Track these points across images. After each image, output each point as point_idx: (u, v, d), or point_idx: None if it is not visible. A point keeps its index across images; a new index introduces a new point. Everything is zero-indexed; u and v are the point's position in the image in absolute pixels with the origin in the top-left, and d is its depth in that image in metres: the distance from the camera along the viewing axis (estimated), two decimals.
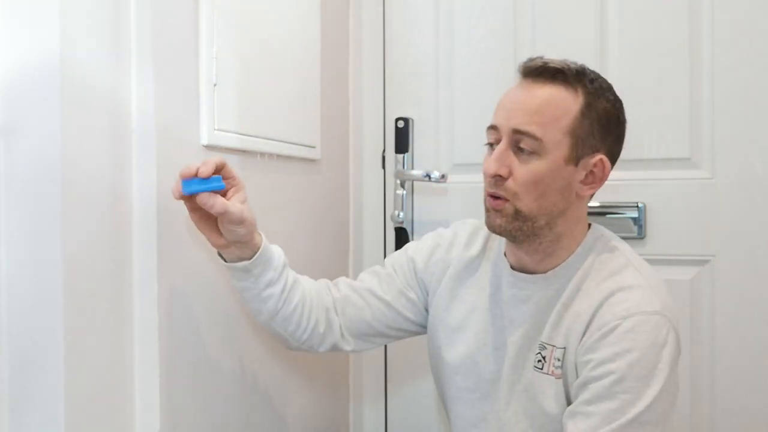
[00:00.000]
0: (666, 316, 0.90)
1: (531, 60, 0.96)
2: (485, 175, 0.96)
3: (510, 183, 0.93)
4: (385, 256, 1.64)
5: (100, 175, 0.87)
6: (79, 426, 0.84)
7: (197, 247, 1.02)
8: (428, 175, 1.51)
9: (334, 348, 1.09)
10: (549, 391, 0.95)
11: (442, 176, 1.50)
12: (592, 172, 0.95)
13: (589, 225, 1.02)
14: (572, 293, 0.96)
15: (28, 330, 0.82)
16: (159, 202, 0.93)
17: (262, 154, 1.19)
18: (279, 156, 1.25)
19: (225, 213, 0.88)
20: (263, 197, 1.20)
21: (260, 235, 0.97)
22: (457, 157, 1.57)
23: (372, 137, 1.64)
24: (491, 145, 0.98)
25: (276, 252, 1.00)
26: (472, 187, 1.55)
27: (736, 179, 1.37)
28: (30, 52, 0.81)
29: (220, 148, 1.06)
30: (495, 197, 0.96)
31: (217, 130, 1.04)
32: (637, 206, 1.41)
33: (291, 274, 1.03)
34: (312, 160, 1.39)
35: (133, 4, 0.91)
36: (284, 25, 1.25)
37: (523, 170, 0.92)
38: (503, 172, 0.93)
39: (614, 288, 0.92)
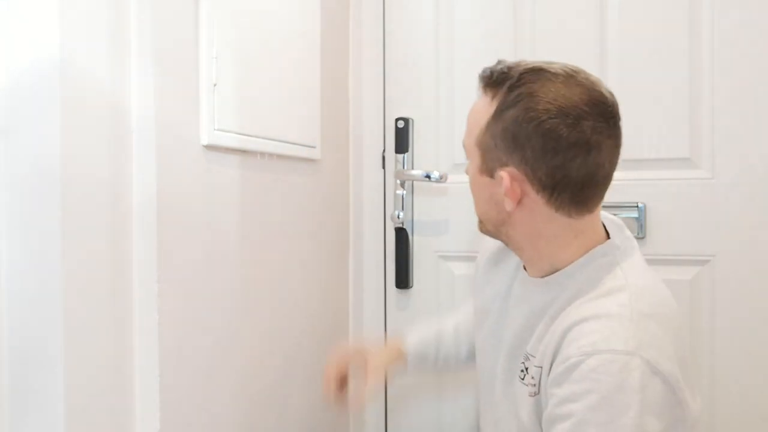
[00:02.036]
0: (643, 358, 0.77)
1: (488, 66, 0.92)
2: None
3: None
4: (385, 256, 1.64)
5: (100, 175, 0.87)
6: (79, 426, 0.84)
7: (197, 247, 1.02)
8: (428, 175, 1.51)
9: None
10: (525, 405, 0.90)
11: (442, 176, 1.50)
12: (505, 186, 0.87)
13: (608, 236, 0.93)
14: (561, 308, 0.88)
15: (28, 330, 0.82)
16: (159, 202, 0.93)
17: (262, 154, 1.19)
18: (279, 156, 1.25)
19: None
20: (263, 197, 1.20)
21: (404, 342, 1.19)
22: (457, 157, 1.57)
23: (372, 137, 1.64)
24: None
25: (427, 334, 1.21)
26: None
27: (736, 179, 1.37)
28: (30, 52, 0.81)
29: (220, 148, 1.06)
30: None
31: (217, 130, 1.04)
32: (637, 206, 1.41)
33: (443, 340, 1.20)
34: (312, 160, 1.39)
35: (133, 4, 0.91)
36: (284, 25, 1.25)
37: None
38: (466, 168, 0.96)
39: (588, 314, 0.83)
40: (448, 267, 1.60)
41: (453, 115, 1.57)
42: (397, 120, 1.59)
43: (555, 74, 0.86)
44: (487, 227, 0.97)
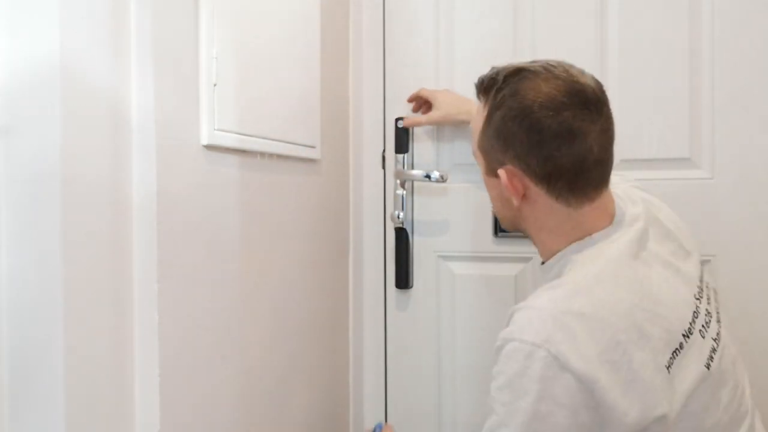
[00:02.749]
0: (550, 352, 0.81)
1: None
2: None
3: None
4: (385, 256, 1.64)
5: (100, 175, 0.87)
6: (79, 426, 0.84)
7: (197, 247, 1.02)
8: (428, 175, 1.51)
9: None
10: None
11: (442, 176, 1.50)
12: (505, 183, 0.94)
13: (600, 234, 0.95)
14: None
15: (28, 330, 0.82)
16: (159, 202, 0.93)
17: (262, 154, 1.19)
18: (279, 156, 1.25)
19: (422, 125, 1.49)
20: (263, 197, 1.20)
21: None
22: (457, 157, 1.57)
23: (372, 137, 1.64)
24: None
25: None
26: (472, 187, 1.56)
27: (736, 179, 1.37)
28: (30, 52, 0.81)
29: (220, 148, 1.06)
30: None
31: (217, 130, 1.04)
32: None
33: None
34: (312, 160, 1.39)
35: (133, 4, 0.91)
36: (284, 25, 1.25)
37: None
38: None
39: (524, 305, 0.89)
40: (448, 267, 1.60)
41: None
42: (397, 120, 1.59)
43: (534, 72, 0.92)
44: (506, 224, 1.05)
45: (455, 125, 1.48)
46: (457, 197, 1.58)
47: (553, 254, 0.97)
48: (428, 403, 1.62)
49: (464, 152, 1.56)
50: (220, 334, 1.09)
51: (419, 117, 1.50)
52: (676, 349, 0.87)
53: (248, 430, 1.17)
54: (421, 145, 1.60)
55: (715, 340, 0.93)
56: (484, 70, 1.52)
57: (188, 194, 0.99)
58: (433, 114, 1.47)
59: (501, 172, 0.93)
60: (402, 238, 1.60)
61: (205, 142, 1.03)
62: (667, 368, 0.85)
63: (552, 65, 0.93)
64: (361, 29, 1.63)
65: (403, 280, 1.61)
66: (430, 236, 1.60)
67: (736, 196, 1.37)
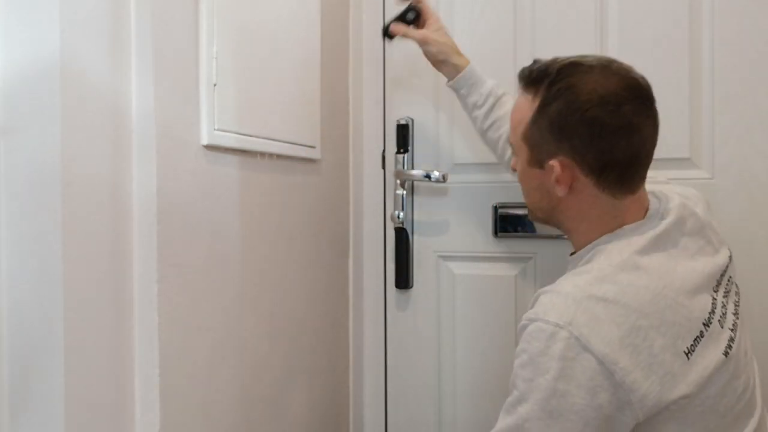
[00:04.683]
0: (572, 333, 0.84)
1: (526, 66, 1.00)
2: None
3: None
4: (385, 257, 1.64)
5: (100, 175, 0.87)
6: (79, 426, 0.84)
7: (197, 247, 1.02)
8: (428, 175, 1.51)
9: None
10: None
11: (443, 176, 1.50)
12: (557, 174, 0.95)
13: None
14: None
15: (28, 330, 0.82)
16: (159, 202, 0.93)
17: (262, 154, 1.19)
18: (279, 156, 1.25)
19: (406, 36, 1.32)
20: (263, 197, 1.20)
21: (468, 62, 1.30)
22: (457, 157, 1.57)
23: (372, 137, 1.64)
24: None
25: (487, 82, 1.30)
26: (472, 187, 1.56)
27: (736, 179, 1.37)
28: (30, 52, 0.81)
29: (220, 148, 1.06)
30: None
31: (217, 130, 1.04)
32: None
33: (502, 106, 1.27)
34: (312, 160, 1.39)
35: (133, 4, 0.91)
36: (284, 25, 1.25)
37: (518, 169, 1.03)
38: (513, 163, 1.06)
39: (548, 289, 0.92)
40: (448, 267, 1.60)
41: (453, 115, 1.57)
42: (397, 120, 1.59)
43: (590, 66, 0.94)
44: (538, 215, 1.06)
45: (428, 55, 1.35)
46: (457, 197, 1.58)
47: (586, 245, 0.99)
48: (428, 403, 1.62)
49: (464, 152, 1.56)
50: (220, 334, 1.09)
51: (406, 28, 1.37)
52: (697, 336, 0.89)
53: (248, 430, 1.17)
54: (421, 145, 1.60)
55: (732, 330, 0.96)
56: (484, 69, 1.53)
57: (188, 194, 0.99)
58: (419, 31, 1.36)
59: (554, 163, 0.94)
60: (402, 238, 1.60)
61: (205, 142, 1.03)
62: (687, 354, 0.88)
63: (608, 60, 0.96)
64: (361, 29, 1.63)
65: (403, 280, 1.61)
66: (430, 236, 1.60)
67: (736, 196, 1.37)
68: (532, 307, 0.93)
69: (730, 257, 1.05)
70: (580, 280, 0.91)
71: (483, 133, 1.34)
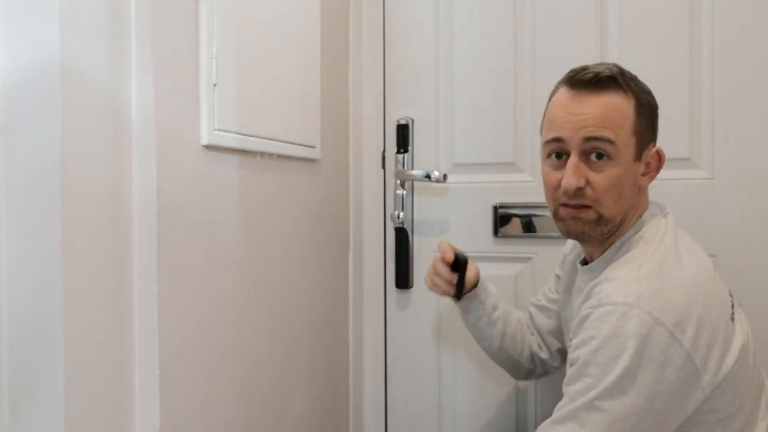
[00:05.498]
0: (642, 309, 0.86)
1: (579, 72, 1.01)
2: (564, 190, 0.99)
3: (588, 191, 0.99)
4: (385, 256, 1.64)
5: (100, 175, 0.87)
6: (79, 426, 0.84)
7: (197, 247, 1.02)
8: (428, 175, 1.51)
9: (544, 365, 1.30)
10: None
11: (443, 176, 1.50)
12: (649, 162, 1.02)
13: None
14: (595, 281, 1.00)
15: (28, 330, 0.82)
16: (159, 202, 0.93)
17: (262, 154, 1.19)
18: (279, 156, 1.25)
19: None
20: (263, 197, 1.20)
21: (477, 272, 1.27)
22: (457, 157, 1.57)
23: (372, 137, 1.64)
24: (551, 156, 1.03)
25: (490, 285, 1.29)
26: (472, 187, 1.56)
27: (736, 179, 1.37)
28: (30, 52, 0.81)
29: (220, 148, 1.06)
30: (576, 207, 1.00)
31: (217, 130, 1.04)
32: None
33: (504, 303, 1.29)
34: (312, 160, 1.39)
35: (133, 4, 0.91)
36: (284, 25, 1.25)
37: (600, 177, 0.98)
38: (582, 183, 0.98)
39: (603, 278, 0.95)
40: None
41: (453, 115, 1.57)
42: (397, 120, 1.59)
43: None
44: (617, 220, 1.01)
45: (457, 300, 1.29)
46: (457, 197, 1.58)
47: (622, 235, 1.02)
48: (428, 403, 1.62)
49: (464, 152, 1.56)
50: (220, 334, 1.09)
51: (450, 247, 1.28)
52: (732, 304, 0.96)
53: (248, 430, 1.17)
54: (421, 145, 1.60)
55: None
56: (484, 69, 1.53)
57: (188, 194, 0.99)
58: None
59: (659, 148, 1.03)
60: (402, 238, 1.60)
61: (205, 142, 1.03)
62: (732, 319, 0.94)
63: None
64: (361, 29, 1.63)
65: (403, 280, 1.61)
66: (430, 236, 1.60)
67: (736, 196, 1.37)
68: (587, 299, 0.95)
69: None
70: (632, 262, 0.94)
71: (504, 336, 1.27)
